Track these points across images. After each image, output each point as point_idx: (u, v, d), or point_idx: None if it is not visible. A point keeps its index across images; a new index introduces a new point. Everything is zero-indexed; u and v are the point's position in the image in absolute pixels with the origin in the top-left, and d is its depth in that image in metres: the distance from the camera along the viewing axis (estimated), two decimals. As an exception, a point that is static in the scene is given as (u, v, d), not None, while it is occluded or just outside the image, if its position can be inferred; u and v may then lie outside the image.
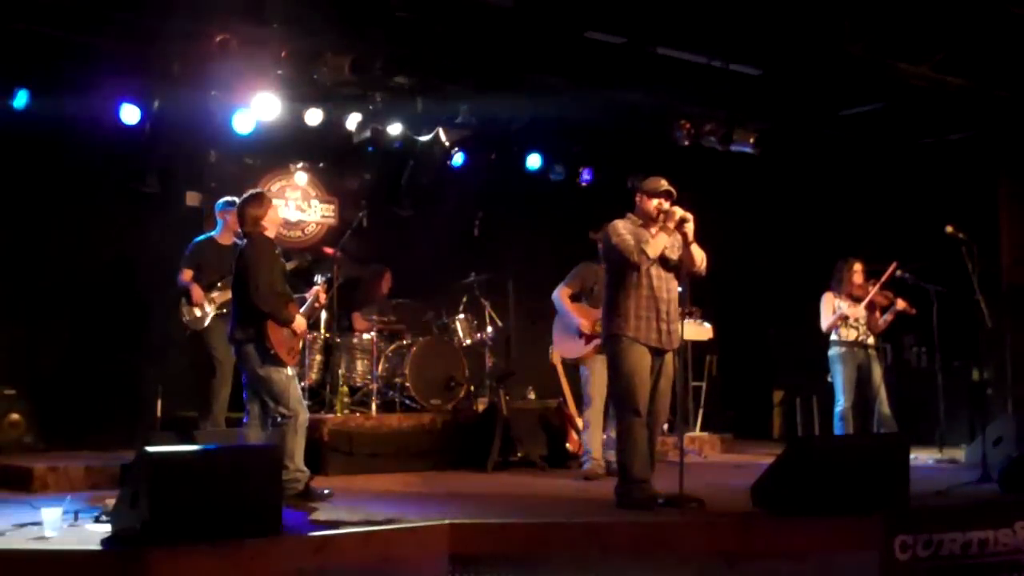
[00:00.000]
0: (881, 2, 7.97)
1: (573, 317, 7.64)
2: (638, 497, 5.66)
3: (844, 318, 8.15)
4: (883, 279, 8.15)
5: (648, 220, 5.93)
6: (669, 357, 5.93)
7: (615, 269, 5.91)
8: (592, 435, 7.62)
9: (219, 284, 7.69)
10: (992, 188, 10.12)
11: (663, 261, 5.88)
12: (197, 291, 7.68)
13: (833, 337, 8.23)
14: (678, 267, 5.92)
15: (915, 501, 5.38)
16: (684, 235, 5.81)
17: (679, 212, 5.80)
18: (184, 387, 8.89)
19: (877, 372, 8.18)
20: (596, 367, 7.45)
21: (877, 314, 8.26)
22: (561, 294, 7.76)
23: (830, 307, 8.25)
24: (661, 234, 5.82)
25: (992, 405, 9.66)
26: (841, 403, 8.14)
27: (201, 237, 7.92)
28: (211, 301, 7.72)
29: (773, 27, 8.10)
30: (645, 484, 5.72)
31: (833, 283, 8.33)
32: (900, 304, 8.18)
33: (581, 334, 7.64)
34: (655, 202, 5.90)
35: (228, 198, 7.66)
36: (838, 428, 8.15)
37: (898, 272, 8.22)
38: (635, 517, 5.43)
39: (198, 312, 7.72)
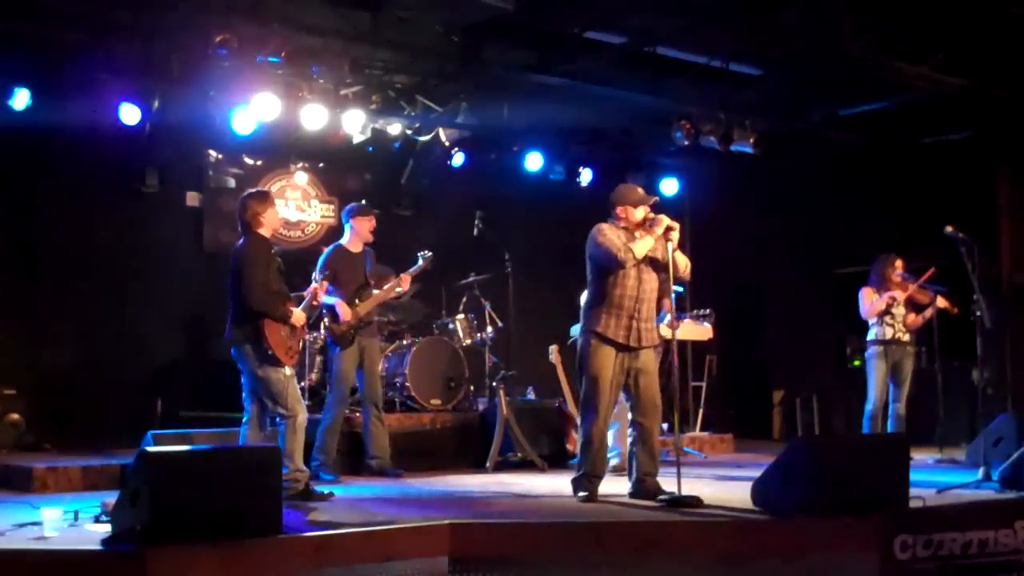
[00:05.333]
0: (881, 2, 7.97)
1: None
2: (588, 490, 5.95)
3: (892, 301, 8.03)
4: (923, 278, 8.11)
5: (632, 227, 6.06)
6: (647, 354, 6.04)
7: (597, 269, 6.06)
8: (620, 432, 7.59)
9: (361, 295, 7.35)
10: (992, 188, 10.12)
11: (650, 261, 6.02)
12: (344, 309, 7.21)
13: (870, 337, 8.17)
14: (663, 267, 6.02)
15: (915, 501, 5.38)
16: (669, 243, 5.95)
17: (666, 220, 5.97)
18: (184, 387, 8.91)
19: (907, 369, 8.14)
20: None
21: (913, 313, 8.22)
22: None
23: (870, 299, 8.16)
24: (647, 236, 5.98)
25: (992, 405, 9.65)
26: (872, 402, 8.07)
27: (331, 247, 7.50)
28: (356, 315, 7.30)
29: (773, 27, 8.10)
30: (596, 479, 6.01)
31: (872, 278, 8.25)
32: (942, 302, 8.11)
33: None
34: (642, 211, 6.05)
35: (352, 204, 7.61)
36: (866, 427, 8.10)
37: (900, 275, 8.20)
38: (635, 517, 5.44)
39: (345, 328, 7.27)
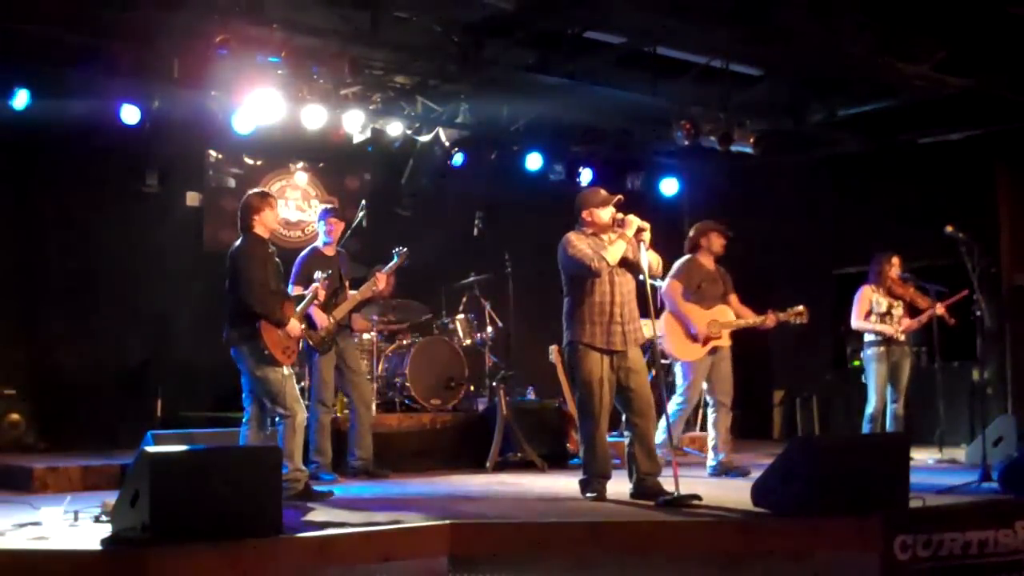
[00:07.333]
0: (881, 2, 7.97)
1: (688, 319, 7.40)
2: (596, 490, 5.98)
3: (882, 317, 8.06)
4: (918, 284, 8.12)
5: (601, 230, 6.04)
6: (636, 354, 6.03)
7: (571, 279, 6.05)
8: (676, 426, 7.50)
9: (337, 298, 7.26)
10: (992, 188, 10.12)
11: (622, 262, 6.00)
12: (320, 315, 7.08)
13: (868, 338, 8.17)
14: (636, 268, 6.01)
15: (915, 501, 5.38)
16: (641, 243, 5.94)
17: (636, 221, 5.94)
18: (184, 387, 8.91)
19: (905, 369, 8.13)
20: (699, 367, 7.43)
21: (908, 316, 8.22)
22: (672, 289, 7.44)
23: (866, 303, 8.15)
24: (619, 241, 5.96)
25: (992, 405, 9.66)
26: (872, 404, 8.06)
27: (307, 250, 7.47)
28: (333, 318, 7.20)
29: (773, 27, 8.09)
30: (604, 479, 6.02)
31: (871, 276, 8.26)
32: (940, 309, 8.10)
33: (697, 337, 7.43)
34: (608, 212, 6.02)
35: (326, 206, 7.53)
36: (866, 428, 8.10)
37: (898, 272, 8.20)
38: (635, 517, 5.44)
39: (323, 334, 7.17)
